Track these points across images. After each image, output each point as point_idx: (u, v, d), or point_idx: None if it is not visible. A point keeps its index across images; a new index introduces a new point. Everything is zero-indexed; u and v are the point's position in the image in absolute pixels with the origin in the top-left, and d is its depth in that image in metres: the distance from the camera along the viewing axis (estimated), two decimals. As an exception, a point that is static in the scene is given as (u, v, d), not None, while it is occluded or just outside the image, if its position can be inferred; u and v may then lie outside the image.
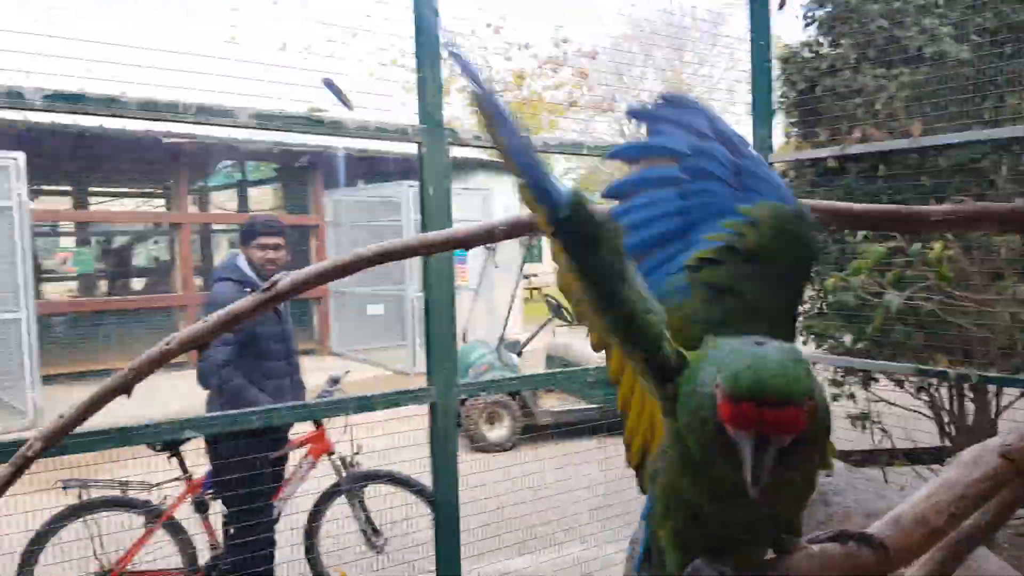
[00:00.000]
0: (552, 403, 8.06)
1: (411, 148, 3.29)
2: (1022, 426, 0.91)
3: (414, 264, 11.21)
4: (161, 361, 1.34)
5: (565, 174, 29.86)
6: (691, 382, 0.79)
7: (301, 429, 4.13)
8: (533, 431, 7.41)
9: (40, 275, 12.97)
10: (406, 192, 11.04)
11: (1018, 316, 4.01)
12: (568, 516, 4.50)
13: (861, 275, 3.98)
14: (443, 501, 3.61)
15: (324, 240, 12.77)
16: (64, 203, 15.25)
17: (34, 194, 12.90)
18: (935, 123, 4.20)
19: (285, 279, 1.39)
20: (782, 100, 4.89)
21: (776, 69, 4.79)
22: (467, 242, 1.38)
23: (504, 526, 4.22)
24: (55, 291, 15.41)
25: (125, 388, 1.33)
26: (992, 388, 4.53)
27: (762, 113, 4.46)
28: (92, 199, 15.39)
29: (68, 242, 16.74)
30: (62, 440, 1.16)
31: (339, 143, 11.83)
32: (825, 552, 0.81)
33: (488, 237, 1.35)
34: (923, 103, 4.24)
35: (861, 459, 4.59)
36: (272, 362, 3.93)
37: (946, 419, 4.84)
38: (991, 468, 0.85)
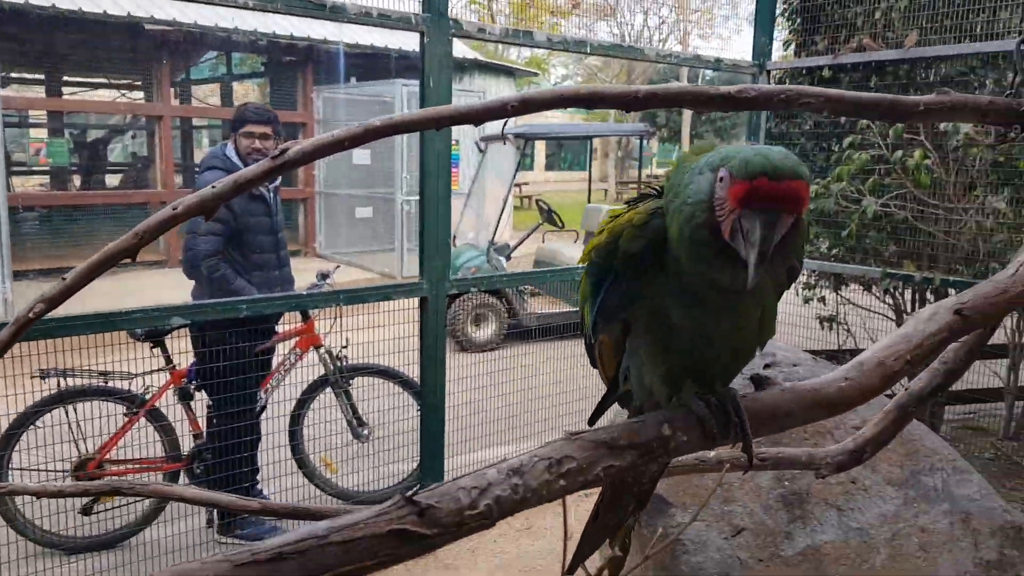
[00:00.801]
0: (538, 306, 8.24)
1: (407, 44, 3.24)
2: (975, 288, 1.02)
3: (405, 167, 11.15)
4: (167, 225, 1.32)
5: (563, 80, 29.21)
6: (678, 198, 0.89)
7: (289, 323, 4.19)
8: (518, 333, 7.60)
9: (10, 166, 12.52)
10: (400, 91, 10.83)
11: (983, 225, 4.17)
12: (547, 409, 4.70)
13: (843, 182, 4.08)
14: (430, 392, 3.76)
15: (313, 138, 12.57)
16: (37, 92, 14.71)
17: (4, 81, 12.45)
18: (930, 36, 4.22)
19: (295, 147, 1.42)
20: (786, 5, 4.85)
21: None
22: (478, 117, 1.41)
23: (485, 417, 4.41)
24: (26, 185, 14.93)
25: (130, 252, 1.29)
26: (953, 292, 4.76)
27: (764, 20, 4.45)
28: (67, 89, 14.88)
29: (40, 134, 16.19)
30: (63, 301, 1.16)
31: (332, 36, 11.51)
32: (796, 388, 0.93)
33: (500, 112, 1.38)
34: (920, 15, 4.24)
35: (827, 357, 4.83)
36: (260, 254, 3.93)
37: (905, 320, 5.10)
38: (945, 322, 0.97)
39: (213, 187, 1.42)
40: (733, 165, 0.82)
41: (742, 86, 1.58)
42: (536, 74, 20.18)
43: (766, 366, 3.16)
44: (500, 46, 23.22)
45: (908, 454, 2.81)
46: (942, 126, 3.95)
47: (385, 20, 3.07)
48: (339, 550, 0.68)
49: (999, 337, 5.30)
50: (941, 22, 4.17)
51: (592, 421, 1.16)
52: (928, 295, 4.99)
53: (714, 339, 0.96)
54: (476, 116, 1.43)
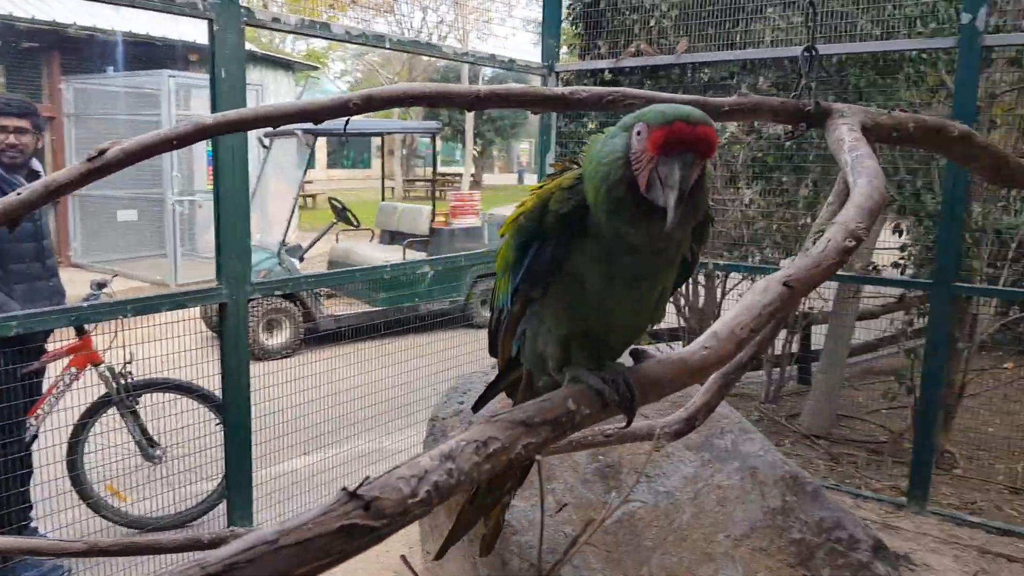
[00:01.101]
0: (335, 308, 8.04)
1: (173, 32, 3.03)
2: (797, 260, 1.17)
3: (175, 165, 10.33)
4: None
5: (341, 76, 28.60)
6: (593, 162, 0.96)
7: (60, 341, 3.78)
8: (315, 337, 7.37)
9: None
10: (167, 82, 9.99)
11: (746, 214, 4.73)
12: (355, 413, 4.62)
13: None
14: (233, 404, 3.53)
15: (62, 134, 11.25)
16: None
17: None
18: (697, 43, 4.69)
19: (115, 148, 1.30)
20: (570, 10, 5.14)
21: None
22: (319, 114, 1.37)
23: (288, 428, 4.23)
24: None
25: None
26: (720, 274, 5.35)
27: (552, 25, 4.69)
28: None
29: None
30: None
31: (84, 20, 10.36)
32: (667, 359, 1.02)
33: (343, 110, 1.35)
34: (689, 24, 4.69)
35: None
36: (22, 264, 3.51)
37: (681, 303, 5.65)
38: (777, 294, 1.10)
39: (19, 193, 1.26)
40: (649, 117, 0.90)
41: (574, 88, 1.66)
42: (316, 68, 19.63)
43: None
44: (276, 39, 22.24)
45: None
46: (710, 125, 4.39)
47: (170, 6, 2.83)
48: (291, 552, 0.67)
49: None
50: (706, 31, 4.64)
51: (477, 408, 1.17)
52: (700, 278, 5.55)
53: (619, 310, 1.02)
54: (318, 113, 1.39)
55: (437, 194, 9.53)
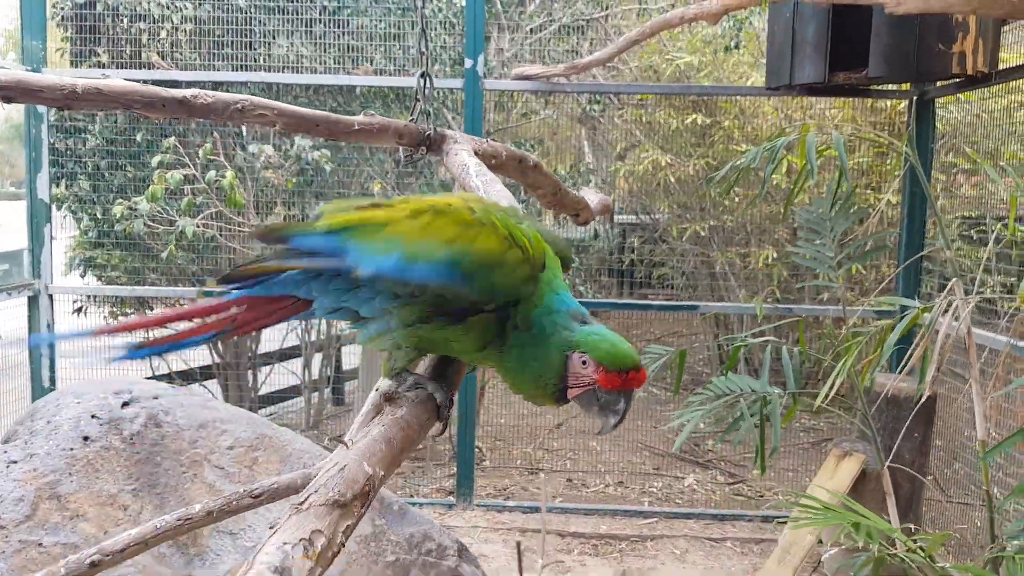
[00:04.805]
0: None
1: None
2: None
3: None
4: None
5: None
6: (527, 359, 1.13)
7: None
8: None
9: None
10: None
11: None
12: None
13: (157, 201, 3.93)
14: None
15: None
16: None
17: None
18: (215, 62, 4.41)
19: None
20: (57, 10, 4.36)
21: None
22: None
23: None
24: None
25: None
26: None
27: (36, 24, 3.95)
28: None
29: None
30: None
31: None
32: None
33: None
34: (206, 40, 4.39)
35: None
36: None
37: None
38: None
39: None
40: (601, 357, 1.07)
41: (197, 91, 1.41)
42: None
43: (124, 404, 2.85)
44: None
45: (282, 459, 2.92)
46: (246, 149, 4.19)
47: None
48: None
49: (292, 339, 5.95)
50: (222, 50, 4.39)
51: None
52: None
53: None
54: None
55: None
